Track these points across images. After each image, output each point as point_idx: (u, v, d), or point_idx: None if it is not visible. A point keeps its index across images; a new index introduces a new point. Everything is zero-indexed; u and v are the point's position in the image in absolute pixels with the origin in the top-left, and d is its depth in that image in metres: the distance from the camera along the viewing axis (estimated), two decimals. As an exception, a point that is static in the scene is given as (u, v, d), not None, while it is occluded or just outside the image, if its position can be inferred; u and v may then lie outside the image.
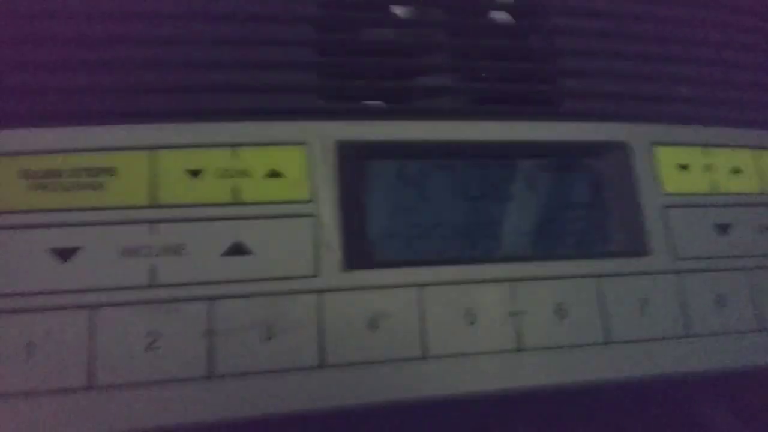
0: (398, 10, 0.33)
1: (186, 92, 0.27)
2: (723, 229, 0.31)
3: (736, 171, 0.32)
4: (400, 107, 0.30)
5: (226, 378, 0.23)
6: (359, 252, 0.26)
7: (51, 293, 0.23)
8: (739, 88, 0.35)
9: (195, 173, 0.26)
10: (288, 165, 0.27)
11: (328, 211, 0.26)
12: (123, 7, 0.27)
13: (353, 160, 0.27)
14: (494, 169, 0.29)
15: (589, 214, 0.30)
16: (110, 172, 0.25)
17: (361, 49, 0.30)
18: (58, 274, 0.23)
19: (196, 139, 0.26)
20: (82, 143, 0.25)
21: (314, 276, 0.25)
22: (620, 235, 0.29)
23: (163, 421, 0.22)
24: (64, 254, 0.24)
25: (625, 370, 0.27)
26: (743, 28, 0.36)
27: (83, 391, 0.22)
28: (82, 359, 0.23)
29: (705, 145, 0.32)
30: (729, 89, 0.34)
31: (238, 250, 0.25)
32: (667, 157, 0.31)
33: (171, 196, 0.25)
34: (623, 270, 0.28)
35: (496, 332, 0.26)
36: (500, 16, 0.34)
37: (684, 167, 0.31)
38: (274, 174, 0.26)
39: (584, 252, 0.29)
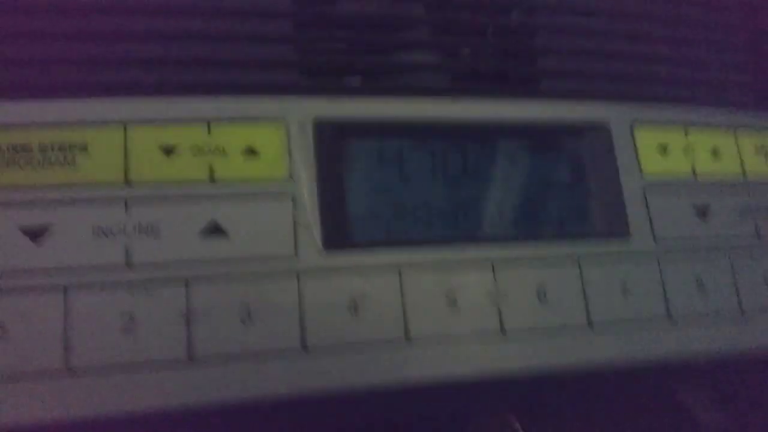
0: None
1: (160, 65, 0.26)
2: (703, 211, 0.31)
3: (717, 152, 0.32)
4: (379, 84, 0.30)
5: (205, 361, 0.23)
6: (339, 233, 0.26)
7: (22, 273, 0.22)
8: (721, 67, 0.35)
9: (169, 150, 0.25)
10: (265, 142, 0.26)
11: (306, 190, 0.26)
12: None
13: (332, 139, 0.27)
14: (474, 149, 0.29)
15: (569, 195, 0.30)
16: (82, 147, 0.24)
17: (339, 22, 0.30)
18: (29, 254, 0.23)
19: (170, 114, 0.25)
20: (52, 117, 0.24)
21: (293, 257, 0.25)
22: (601, 217, 0.30)
23: (141, 405, 0.22)
24: (35, 233, 0.23)
25: (606, 353, 0.27)
26: (725, 7, 0.36)
27: (58, 375, 0.22)
28: (57, 341, 0.22)
29: (685, 125, 0.32)
30: (710, 69, 0.34)
31: (214, 230, 0.24)
32: (647, 138, 0.31)
33: (145, 173, 0.25)
34: (604, 252, 0.28)
35: (478, 314, 0.26)
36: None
37: (664, 149, 0.31)
38: (251, 151, 0.26)
39: (565, 233, 0.29)
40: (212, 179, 0.25)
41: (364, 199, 0.27)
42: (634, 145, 0.31)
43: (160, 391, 0.22)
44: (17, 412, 0.21)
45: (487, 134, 0.29)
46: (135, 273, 0.23)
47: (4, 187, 0.23)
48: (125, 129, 0.25)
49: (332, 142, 0.27)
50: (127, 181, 0.24)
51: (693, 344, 0.28)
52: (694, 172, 0.31)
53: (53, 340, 0.22)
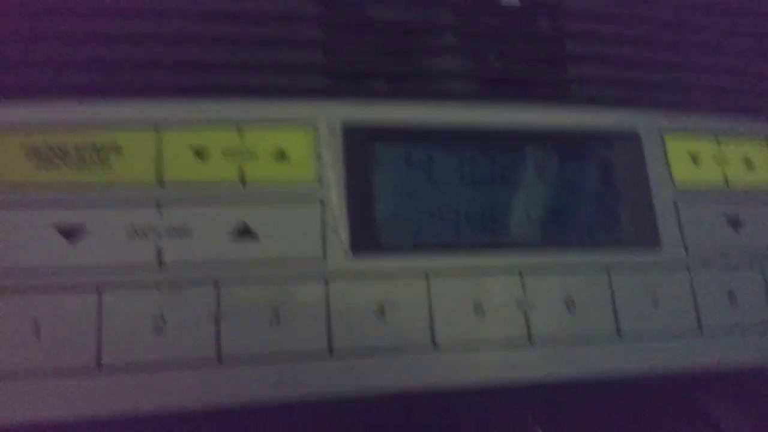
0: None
1: (192, 68, 0.27)
2: (734, 222, 0.30)
3: (749, 162, 0.32)
4: (407, 89, 0.30)
5: (233, 362, 0.23)
6: (367, 237, 0.26)
7: (57, 272, 0.23)
8: (754, 76, 0.34)
9: (200, 152, 0.25)
10: (294, 146, 0.26)
11: (334, 194, 0.26)
12: None
13: (360, 143, 0.27)
14: (502, 155, 0.29)
15: (599, 204, 0.29)
16: (116, 149, 0.25)
17: (368, 27, 0.30)
18: (64, 253, 0.23)
19: (202, 117, 0.26)
20: (88, 118, 0.25)
21: (321, 261, 0.25)
22: (630, 226, 0.29)
23: (170, 404, 0.22)
24: (70, 232, 0.23)
25: (634, 364, 0.27)
26: (757, 14, 0.35)
27: (90, 372, 0.22)
28: (89, 340, 0.22)
29: (717, 135, 0.32)
30: (743, 77, 0.34)
31: (244, 232, 0.25)
32: (678, 147, 0.31)
33: (177, 175, 0.25)
34: (634, 262, 0.28)
35: (505, 323, 0.26)
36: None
37: (695, 158, 0.31)
38: (281, 155, 0.26)
39: (594, 242, 0.29)
40: (242, 181, 0.25)
41: (392, 203, 0.27)
42: (665, 153, 0.30)
43: (188, 391, 0.23)
44: (49, 408, 0.22)
45: (515, 140, 0.29)
46: (166, 273, 0.24)
47: (41, 186, 0.24)
48: (158, 131, 0.25)
49: (361, 146, 0.27)
50: (160, 182, 0.25)
51: (723, 356, 0.28)
52: (726, 181, 0.31)
53: (85, 338, 0.22)
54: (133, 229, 0.24)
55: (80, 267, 0.23)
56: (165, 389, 0.22)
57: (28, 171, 0.24)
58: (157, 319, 0.23)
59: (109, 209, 0.24)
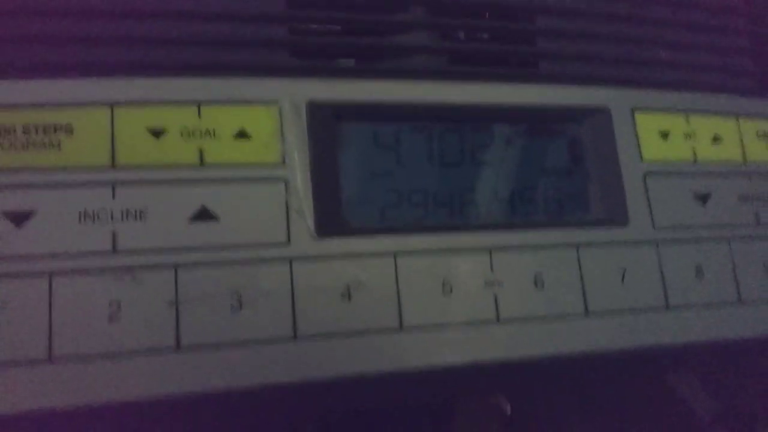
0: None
1: (149, 45, 0.26)
2: (703, 198, 0.30)
3: (718, 139, 0.32)
4: (374, 66, 0.29)
5: (194, 349, 0.22)
6: (332, 218, 0.25)
7: (5, 259, 0.22)
8: (723, 53, 0.34)
9: (158, 133, 0.24)
10: (257, 125, 0.25)
11: (299, 175, 0.25)
12: None
13: (326, 122, 0.26)
14: (471, 134, 0.29)
15: (567, 181, 0.29)
16: (67, 129, 0.23)
17: (333, 2, 0.29)
18: (12, 239, 0.22)
19: (159, 95, 0.25)
20: (36, 97, 0.24)
21: (285, 243, 0.24)
22: (599, 204, 0.29)
23: (128, 395, 0.22)
24: (19, 218, 0.22)
25: (603, 341, 0.27)
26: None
27: (42, 363, 0.21)
28: (41, 329, 0.21)
29: (686, 111, 0.31)
30: (712, 54, 0.34)
31: (204, 215, 0.24)
32: (648, 124, 0.30)
33: (132, 157, 0.24)
34: (602, 239, 0.28)
35: (473, 302, 0.26)
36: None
37: (665, 135, 0.31)
38: (243, 134, 0.25)
39: (563, 220, 0.28)
40: (202, 163, 0.24)
41: (358, 183, 0.26)
42: (635, 130, 0.30)
43: (146, 380, 0.22)
44: (1, 400, 0.21)
45: (484, 118, 0.29)
46: (122, 259, 0.23)
47: (-14, 169, 0.22)
48: (112, 110, 0.24)
49: (326, 126, 0.26)
50: (114, 165, 0.24)
51: (690, 331, 0.28)
52: (695, 158, 0.31)
53: (36, 327, 0.21)
54: (86, 214, 0.23)
55: (30, 253, 0.22)
56: (121, 379, 0.22)
57: (-29, 153, 0.23)
58: (112, 306, 0.22)
59: (60, 192, 0.23)
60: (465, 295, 0.26)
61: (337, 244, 0.25)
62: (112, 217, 0.23)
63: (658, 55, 0.33)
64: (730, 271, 0.30)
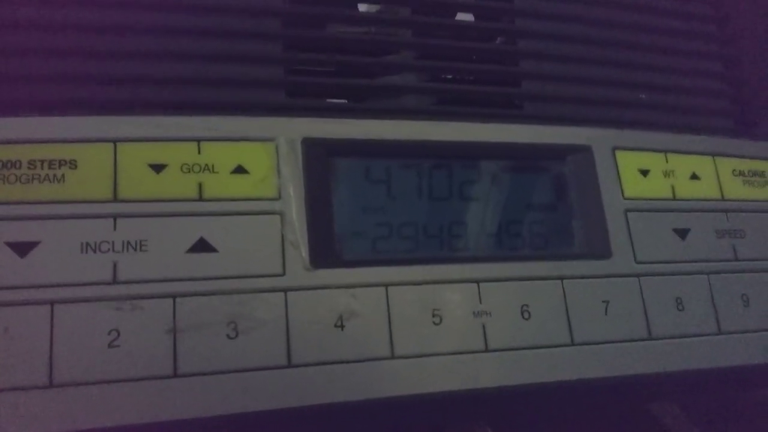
0: (365, 8, 0.33)
1: (150, 84, 0.27)
2: (682, 233, 0.31)
3: (695, 177, 0.33)
4: (365, 105, 0.30)
5: (191, 377, 0.23)
6: (326, 251, 0.26)
7: (9, 288, 0.22)
8: (699, 95, 0.36)
9: (158, 168, 0.25)
10: (254, 161, 0.26)
11: (294, 208, 0.26)
12: None
13: (320, 158, 0.27)
14: (459, 170, 0.30)
15: (552, 216, 0.30)
16: (71, 164, 0.24)
17: (327, 45, 0.30)
18: (16, 269, 0.23)
19: (160, 133, 0.26)
20: (42, 133, 0.24)
21: (281, 274, 0.25)
22: (583, 238, 0.30)
23: (126, 420, 0.22)
24: (23, 248, 0.23)
25: (589, 371, 0.27)
26: (703, 37, 0.37)
27: (43, 388, 0.22)
28: (41, 356, 0.22)
29: (665, 151, 0.33)
30: (689, 96, 0.35)
31: (202, 247, 0.25)
32: (629, 162, 0.32)
33: (134, 190, 0.25)
34: (586, 272, 0.29)
35: (462, 332, 0.26)
36: (466, 17, 0.35)
37: (645, 172, 0.32)
38: (240, 170, 0.26)
39: (548, 253, 0.29)
40: (201, 197, 0.25)
41: (351, 217, 0.27)
42: (616, 168, 0.31)
43: (144, 406, 0.22)
44: (2, 426, 0.21)
45: (471, 156, 0.30)
46: (122, 288, 0.23)
47: (-8, 202, 0.23)
48: (115, 146, 0.25)
49: (320, 162, 0.27)
50: (116, 198, 0.24)
51: (672, 361, 0.29)
52: (674, 194, 0.32)
53: (38, 355, 0.22)
54: (88, 245, 0.24)
55: (32, 283, 0.23)
56: (119, 405, 0.22)
57: (-21, 186, 0.23)
58: (112, 334, 0.23)
59: (63, 224, 0.24)
60: (454, 325, 0.26)
61: (330, 275, 0.26)
62: (113, 248, 0.24)
63: (638, 97, 0.34)
64: (710, 304, 0.30)
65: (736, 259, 0.32)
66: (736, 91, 0.37)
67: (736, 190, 0.34)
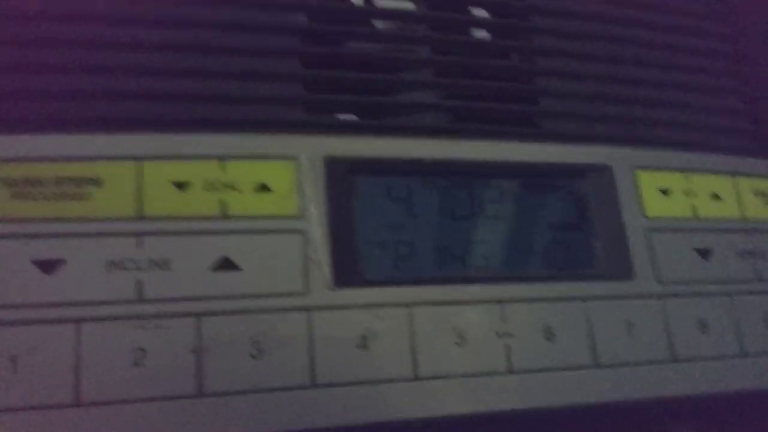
0: (382, 25, 0.34)
1: (173, 102, 0.27)
2: (704, 253, 0.31)
3: (716, 196, 0.33)
4: (384, 122, 0.30)
5: (216, 396, 0.23)
6: (348, 270, 0.26)
7: (34, 306, 0.22)
8: (719, 114, 0.36)
9: (182, 186, 0.25)
10: (276, 179, 0.27)
11: (316, 227, 0.26)
12: (112, 12, 0.27)
13: (341, 176, 0.27)
14: (479, 189, 0.30)
15: (573, 236, 0.30)
16: (96, 182, 0.25)
17: (346, 62, 0.30)
18: (41, 287, 0.23)
19: (184, 151, 0.26)
20: (66, 151, 0.25)
21: (303, 293, 0.25)
22: (605, 258, 0.30)
23: None
24: (48, 266, 0.23)
25: (613, 393, 0.27)
26: (722, 55, 0.37)
27: (68, 408, 0.22)
28: (67, 375, 0.22)
29: (685, 170, 0.33)
30: (709, 115, 0.35)
31: (225, 265, 0.25)
32: (649, 181, 0.32)
33: (158, 208, 0.25)
34: (609, 293, 0.29)
35: (486, 353, 0.26)
36: (483, 34, 0.35)
37: (665, 192, 0.32)
38: (263, 188, 0.26)
39: (570, 273, 0.29)
40: (224, 215, 0.25)
41: (373, 236, 0.27)
42: (637, 187, 0.31)
43: (169, 426, 0.22)
44: (25, 446, 0.21)
45: (490, 174, 0.30)
46: (146, 307, 0.23)
47: (17, 219, 0.23)
48: (139, 164, 0.25)
49: (342, 180, 0.27)
50: (140, 216, 0.24)
51: (697, 383, 0.29)
52: (695, 214, 0.32)
53: (63, 373, 0.22)
54: (112, 263, 0.24)
55: (58, 301, 0.23)
56: (145, 423, 0.22)
57: (5, 203, 0.23)
58: (137, 352, 0.23)
59: (88, 242, 0.24)
60: (477, 345, 0.26)
61: (353, 295, 0.26)
62: (137, 267, 0.24)
63: (657, 116, 0.34)
64: (733, 325, 0.30)
65: (759, 280, 0.32)
66: (753, 109, 0.37)
67: (757, 210, 0.33)
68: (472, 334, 0.26)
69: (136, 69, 0.27)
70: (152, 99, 0.27)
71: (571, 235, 0.30)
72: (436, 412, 0.25)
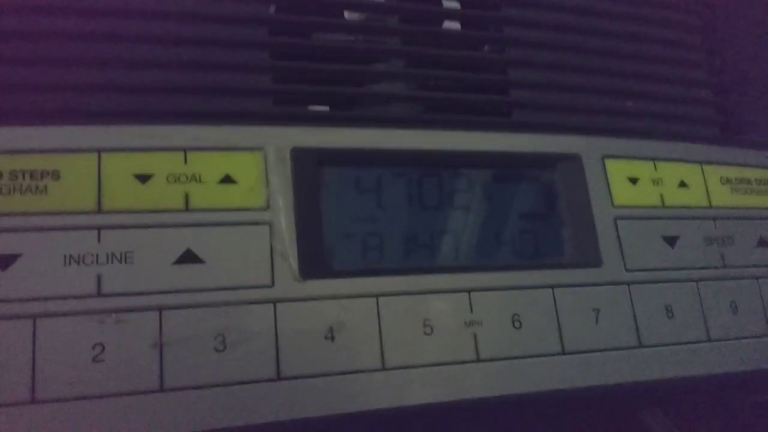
0: (352, 16, 0.33)
1: (135, 93, 0.26)
2: (671, 241, 0.32)
3: (684, 184, 0.33)
4: (354, 114, 0.30)
5: (178, 391, 0.22)
6: (315, 261, 0.26)
7: None
8: (686, 103, 0.36)
9: (144, 178, 0.25)
10: (242, 171, 0.26)
11: (283, 219, 0.26)
12: (74, 3, 0.26)
13: (309, 167, 0.27)
14: (449, 179, 0.30)
15: (542, 225, 0.30)
16: (54, 175, 0.24)
17: (315, 53, 0.30)
18: None
19: (146, 142, 0.25)
20: (23, 144, 0.24)
21: (269, 286, 0.25)
22: (573, 246, 0.30)
23: None
24: (4, 261, 0.22)
25: (580, 379, 0.27)
26: (689, 46, 0.37)
27: (26, 404, 0.21)
28: (24, 372, 0.21)
29: (654, 159, 0.33)
30: (676, 104, 0.36)
31: (189, 258, 0.24)
32: (618, 170, 0.32)
33: (118, 201, 0.24)
34: (576, 280, 0.29)
35: (454, 342, 0.26)
36: (454, 25, 0.35)
37: (634, 180, 0.32)
38: (228, 180, 0.26)
39: (538, 262, 0.29)
40: (188, 207, 0.25)
41: (340, 227, 0.27)
42: (606, 176, 0.31)
43: (130, 422, 0.22)
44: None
45: (460, 164, 0.30)
46: (106, 302, 0.23)
47: (-28, 214, 0.23)
48: (99, 156, 0.25)
49: (309, 171, 0.27)
50: (100, 209, 0.24)
51: (663, 369, 0.29)
52: (662, 202, 0.32)
53: (20, 370, 0.21)
54: (71, 257, 0.23)
55: (14, 297, 0.22)
56: (104, 421, 0.21)
57: (-42, 198, 0.23)
58: (96, 348, 0.22)
59: (46, 236, 0.23)
60: (445, 335, 0.26)
61: (320, 286, 0.25)
62: (97, 261, 0.23)
63: (626, 105, 0.34)
64: (699, 311, 0.31)
65: (725, 266, 0.32)
66: (721, 100, 0.37)
67: (724, 197, 0.34)
68: (440, 323, 0.26)
69: (96, 59, 0.26)
70: (114, 90, 0.26)
71: (540, 224, 0.30)
72: (405, 401, 0.25)
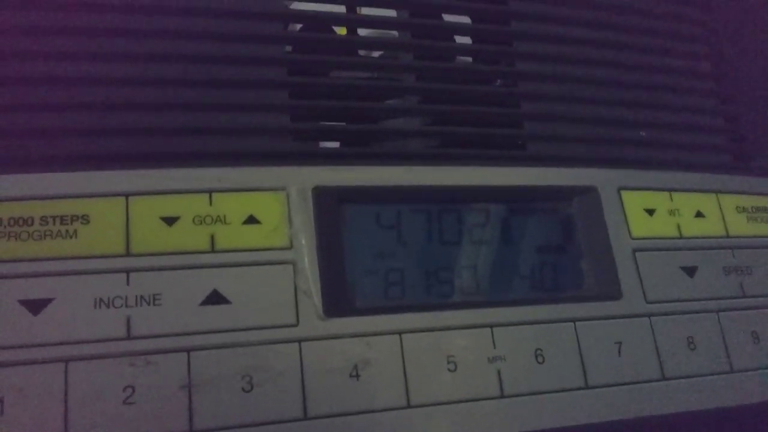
0: (366, 53, 0.34)
1: (160, 137, 0.27)
2: (690, 271, 0.32)
3: (700, 214, 0.33)
4: (373, 151, 0.30)
5: (207, 431, 0.23)
6: (339, 299, 0.26)
7: (22, 347, 0.22)
8: (700, 132, 0.36)
9: (171, 220, 0.25)
10: (265, 211, 0.27)
11: (306, 257, 0.26)
12: (97, 48, 0.27)
13: (330, 206, 0.27)
14: (467, 214, 0.30)
15: (561, 259, 0.30)
16: (83, 219, 0.24)
17: (332, 91, 0.31)
18: (29, 327, 0.23)
19: (172, 185, 0.26)
20: (53, 190, 0.25)
21: (294, 325, 0.25)
22: (593, 279, 0.30)
23: None
24: (36, 306, 0.23)
25: (604, 413, 0.27)
26: (704, 75, 0.38)
27: None
28: (57, 415, 0.22)
29: (669, 190, 0.33)
30: (690, 133, 0.36)
31: (216, 299, 0.25)
32: (634, 202, 0.32)
33: (146, 244, 0.25)
34: (597, 314, 0.29)
35: (478, 379, 0.26)
36: (467, 60, 0.35)
37: (650, 212, 0.32)
38: (252, 220, 0.26)
39: (559, 296, 0.29)
40: (213, 248, 0.25)
41: (363, 264, 0.27)
42: (622, 208, 0.32)
43: None
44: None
45: (477, 199, 0.30)
46: (136, 344, 0.23)
47: (4, 260, 0.23)
48: (127, 200, 0.25)
49: (331, 209, 0.27)
50: (129, 252, 0.24)
51: (686, 401, 0.29)
52: (680, 233, 0.32)
53: (53, 414, 0.22)
54: (101, 301, 0.24)
55: (46, 341, 0.23)
56: (137, 464, 0.22)
57: (-8, 244, 0.23)
58: (127, 390, 0.23)
59: (76, 280, 0.24)
60: (469, 371, 0.26)
61: (344, 324, 0.26)
62: (126, 303, 0.24)
63: (640, 135, 0.35)
64: (720, 342, 0.31)
65: (744, 296, 0.32)
66: (734, 127, 0.37)
67: (741, 226, 0.34)
68: (464, 359, 0.26)
69: (121, 104, 0.27)
70: (138, 134, 0.27)
71: (558, 258, 0.30)
72: None
